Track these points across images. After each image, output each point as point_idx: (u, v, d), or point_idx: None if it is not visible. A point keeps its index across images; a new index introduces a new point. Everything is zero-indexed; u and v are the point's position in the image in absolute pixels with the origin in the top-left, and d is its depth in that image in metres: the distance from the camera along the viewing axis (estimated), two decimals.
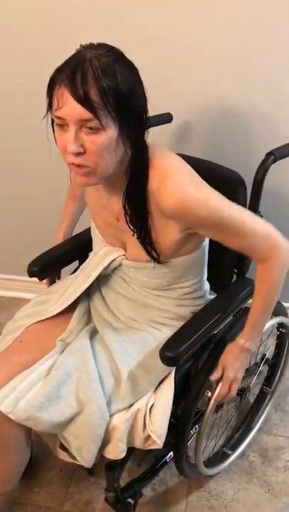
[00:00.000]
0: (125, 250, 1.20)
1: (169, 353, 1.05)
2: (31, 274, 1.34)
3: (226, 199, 1.03)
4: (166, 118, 1.51)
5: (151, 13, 1.46)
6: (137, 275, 1.19)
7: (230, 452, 1.53)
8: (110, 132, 0.91)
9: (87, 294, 1.30)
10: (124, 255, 1.20)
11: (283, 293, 1.77)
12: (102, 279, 1.29)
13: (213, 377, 1.15)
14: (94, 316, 1.28)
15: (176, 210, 0.98)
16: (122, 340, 1.19)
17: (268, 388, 1.63)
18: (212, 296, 1.30)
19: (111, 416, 1.09)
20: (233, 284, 1.34)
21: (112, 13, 1.47)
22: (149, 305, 1.23)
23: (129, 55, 0.95)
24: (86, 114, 0.88)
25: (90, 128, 0.90)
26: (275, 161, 1.20)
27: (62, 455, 1.19)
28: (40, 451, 1.53)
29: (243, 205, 1.25)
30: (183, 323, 1.17)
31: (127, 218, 1.07)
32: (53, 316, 1.25)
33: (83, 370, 1.10)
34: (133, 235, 1.09)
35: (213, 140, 1.65)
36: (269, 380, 1.64)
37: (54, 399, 1.06)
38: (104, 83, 0.88)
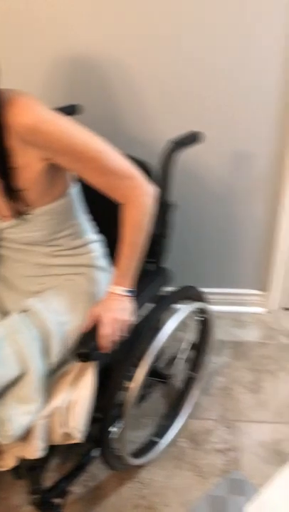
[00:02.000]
0: None
1: (84, 349, 1.03)
2: None
3: (84, 129, 1.04)
4: (71, 109, 1.48)
5: None
6: (19, 233, 1.16)
7: (159, 440, 1.54)
8: None
9: None
10: None
11: (200, 279, 1.81)
12: None
13: (86, 324, 1.11)
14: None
15: (30, 126, 0.99)
16: (42, 299, 1.17)
17: (194, 373, 1.66)
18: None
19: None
20: (149, 273, 1.34)
21: None
22: (48, 265, 1.22)
23: None
24: None
25: None
26: (177, 148, 1.21)
27: None
28: None
29: None
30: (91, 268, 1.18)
31: None
32: None
33: (14, 332, 1.07)
34: None
35: (118, 129, 1.64)
36: (195, 366, 1.66)
37: None
38: None
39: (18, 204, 1.09)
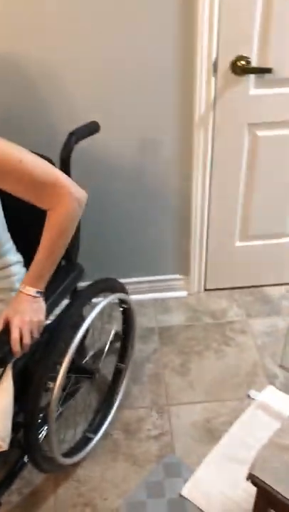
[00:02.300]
0: None
1: None
2: None
3: (8, 142, 1.01)
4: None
5: None
6: None
7: (92, 436, 1.53)
8: None
9: None
10: None
11: (121, 270, 1.80)
12: None
13: None
14: None
15: None
16: None
17: (122, 364, 1.66)
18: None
19: None
20: (60, 269, 1.31)
21: None
22: None
23: None
24: None
25: None
26: (77, 140, 1.19)
27: None
28: None
29: None
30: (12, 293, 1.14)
31: None
32: None
33: None
34: None
35: (13, 124, 1.59)
36: (122, 356, 1.66)
37: None
38: None
39: None
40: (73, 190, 1.07)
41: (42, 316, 1.12)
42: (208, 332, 1.94)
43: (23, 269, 1.25)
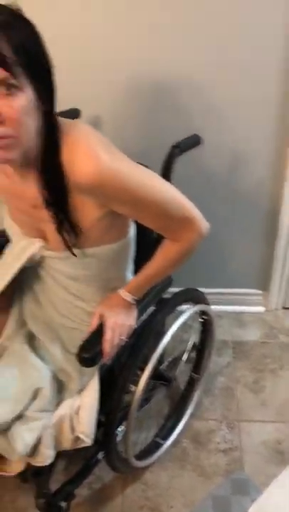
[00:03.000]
0: (45, 240, 1.11)
1: (86, 354, 1.04)
2: None
3: (143, 169, 1.00)
4: (73, 113, 1.48)
5: None
6: (62, 266, 1.11)
7: (162, 442, 1.55)
8: (28, 93, 0.83)
9: (21, 289, 1.26)
10: (44, 246, 1.11)
11: (200, 279, 1.81)
12: (31, 272, 1.21)
13: (92, 324, 1.11)
14: (27, 317, 1.25)
15: (90, 181, 0.91)
16: (60, 338, 1.18)
17: (196, 374, 1.67)
18: None
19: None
20: None
21: None
22: (79, 300, 1.19)
23: None
24: (0, 72, 0.79)
25: (7, 88, 0.80)
26: (180, 153, 1.21)
27: None
28: None
29: None
30: None
31: (45, 202, 0.98)
32: None
33: (26, 366, 1.11)
34: (51, 221, 1.01)
35: (120, 133, 1.64)
36: (197, 367, 1.67)
37: (5, 404, 1.04)
38: (12, 38, 0.79)
39: (70, 239, 1.02)
40: (202, 226, 1.05)
41: (133, 321, 1.15)
42: (284, 351, 1.90)
43: None
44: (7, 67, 0.79)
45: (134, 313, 1.16)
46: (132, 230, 1.16)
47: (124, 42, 1.49)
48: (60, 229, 1.01)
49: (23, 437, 1.03)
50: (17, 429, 1.04)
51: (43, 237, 1.10)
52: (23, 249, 1.13)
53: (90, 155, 0.91)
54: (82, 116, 1.51)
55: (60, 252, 1.08)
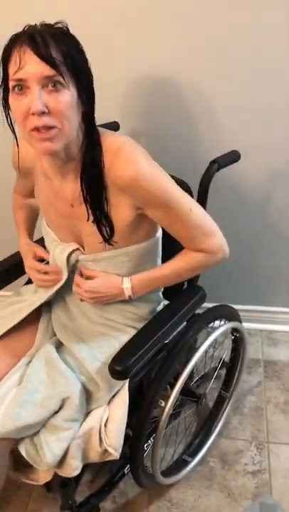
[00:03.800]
0: (81, 246, 1.18)
1: (118, 366, 1.04)
2: None
3: (176, 184, 1.07)
4: (113, 126, 1.50)
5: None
6: (96, 267, 1.17)
7: (189, 459, 1.53)
8: (72, 92, 0.93)
9: (48, 302, 1.29)
10: (79, 250, 1.18)
11: (231, 295, 1.78)
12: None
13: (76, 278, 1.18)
14: (56, 326, 1.27)
15: (129, 182, 1.01)
16: (89, 346, 1.18)
17: (226, 392, 1.64)
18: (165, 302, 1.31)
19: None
20: (183, 292, 1.33)
21: None
22: (110, 304, 1.22)
23: None
24: (49, 70, 0.89)
25: (54, 85, 0.91)
26: (218, 169, 1.21)
27: (16, 476, 1.16)
28: None
29: None
30: (143, 324, 1.18)
31: (83, 198, 1.06)
32: (19, 323, 1.22)
33: (54, 371, 1.11)
34: (88, 220, 1.08)
35: (158, 147, 1.64)
36: (227, 384, 1.65)
37: (30, 407, 1.04)
38: (62, 45, 0.91)
39: (103, 238, 1.10)
40: (224, 246, 1.14)
41: (108, 300, 1.18)
42: None
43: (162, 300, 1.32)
44: (56, 67, 0.89)
45: (117, 298, 1.18)
46: (160, 230, 1.22)
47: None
48: (98, 223, 1.08)
49: (52, 448, 1.04)
50: (46, 439, 1.04)
51: (79, 242, 1.18)
52: (61, 252, 1.19)
53: (131, 160, 1.00)
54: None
55: (94, 254, 1.15)
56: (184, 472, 1.49)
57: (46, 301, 1.26)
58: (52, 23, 0.95)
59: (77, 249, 1.18)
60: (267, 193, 1.73)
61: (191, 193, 1.25)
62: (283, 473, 1.53)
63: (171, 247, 1.19)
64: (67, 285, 1.23)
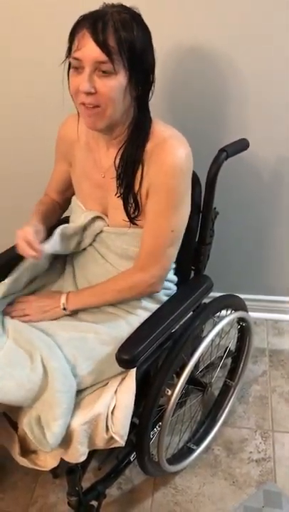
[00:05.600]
0: (106, 216, 1.23)
1: (125, 355, 1.04)
2: None
3: (187, 205, 1.14)
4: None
5: None
6: (117, 242, 1.21)
7: (195, 447, 1.54)
8: (121, 78, 1.00)
9: (62, 275, 1.34)
10: (105, 221, 1.23)
11: (237, 285, 1.78)
12: (78, 258, 1.32)
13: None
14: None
15: (160, 166, 1.07)
16: (95, 323, 1.19)
17: (231, 381, 1.65)
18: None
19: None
20: (190, 281, 1.33)
21: None
22: None
23: None
24: (102, 56, 0.96)
25: (104, 72, 0.98)
26: (227, 157, 1.20)
27: (23, 462, 1.17)
28: (3, 456, 1.50)
29: (198, 203, 1.25)
30: (157, 306, 1.22)
31: (117, 173, 1.12)
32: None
33: (46, 344, 1.12)
34: (116, 194, 1.14)
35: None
36: (232, 373, 1.65)
37: (17, 367, 1.05)
38: (121, 34, 0.97)
39: (127, 215, 1.14)
40: (159, 286, 1.20)
41: (38, 319, 1.21)
42: None
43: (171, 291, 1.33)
44: (108, 54, 0.96)
45: (48, 316, 1.22)
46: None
47: None
48: (124, 200, 1.13)
49: (51, 427, 1.03)
50: (45, 419, 1.04)
51: (105, 213, 1.24)
52: (85, 217, 1.24)
53: (176, 150, 1.07)
54: None
55: (118, 228, 1.20)
56: (189, 460, 1.50)
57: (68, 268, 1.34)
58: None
59: (103, 219, 1.23)
60: (273, 181, 1.72)
61: (199, 183, 1.24)
62: (287, 462, 1.54)
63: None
64: (87, 259, 1.30)
